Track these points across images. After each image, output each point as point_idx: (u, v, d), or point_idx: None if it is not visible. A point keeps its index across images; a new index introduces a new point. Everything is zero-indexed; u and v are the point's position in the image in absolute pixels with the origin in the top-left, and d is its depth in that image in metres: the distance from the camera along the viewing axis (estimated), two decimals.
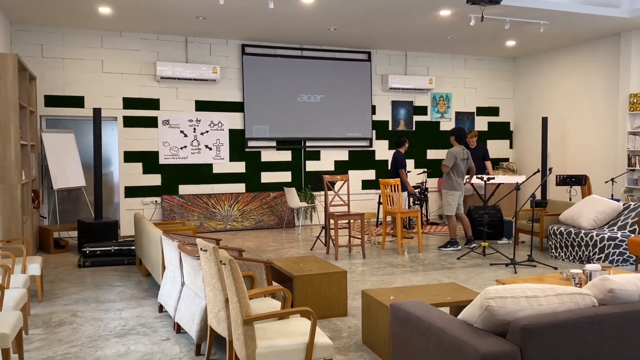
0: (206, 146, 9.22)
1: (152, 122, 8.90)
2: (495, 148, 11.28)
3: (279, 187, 9.67)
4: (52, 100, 8.37)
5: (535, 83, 10.76)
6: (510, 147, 11.50)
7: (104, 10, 7.30)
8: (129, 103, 8.76)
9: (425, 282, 5.62)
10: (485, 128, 11.21)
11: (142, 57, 8.79)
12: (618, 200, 7.99)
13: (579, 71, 9.73)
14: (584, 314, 2.27)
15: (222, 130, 9.31)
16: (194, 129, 9.14)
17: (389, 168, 9.54)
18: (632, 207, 6.58)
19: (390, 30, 8.63)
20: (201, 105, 9.17)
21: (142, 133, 8.85)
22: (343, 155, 10.16)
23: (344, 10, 7.37)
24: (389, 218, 8.91)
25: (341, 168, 10.14)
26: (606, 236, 6.22)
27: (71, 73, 8.44)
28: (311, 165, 9.93)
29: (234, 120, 9.37)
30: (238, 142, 9.41)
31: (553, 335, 2.19)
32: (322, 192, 9.93)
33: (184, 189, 9.13)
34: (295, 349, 2.80)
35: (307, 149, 9.88)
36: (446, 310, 4.18)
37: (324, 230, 7.95)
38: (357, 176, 10.26)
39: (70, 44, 8.40)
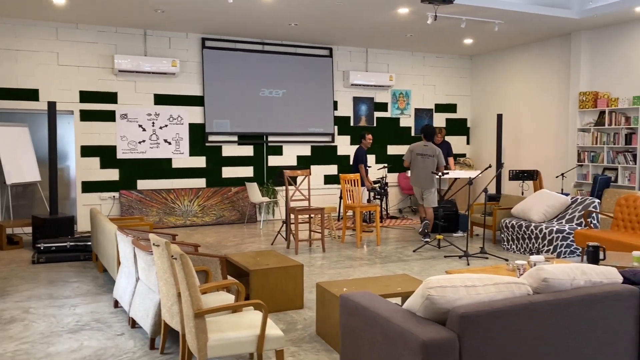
0: (165, 140, 9.13)
1: (109, 116, 8.75)
2: (453, 144, 11.52)
3: (240, 182, 9.67)
4: (5, 93, 8.14)
5: (492, 81, 11.05)
6: (468, 143, 11.79)
7: (59, 1, 7.13)
8: (85, 96, 8.59)
9: (381, 274, 5.75)
10: (443, 124, 11.45)
11: (100, 50, 8.63)
12: (567, 195, 8.32)
13: (533, 69, 10.05)
14: (519, 302, 2.39)
15: (182, 124, 9.24)
16: (153, 123, 9.03)
17: (351, 163, 9.67)
18: (579, 201, 6.87)
19: (351, 27, 8.72)
20: (160, 99, 9.07)
21: (99, 127, 8.70)
22: (305, 151, 10.22)
23: (304, 6, 7.41)
24: (350, 212, 9.03)
25: (303, 163, 10.20)
26: (554, 229, 6.48)
27: (25, 65, 8.22)
28: (273, 160, 9.95)
29: (194, 115, 9.31)
30: (198, 137, 9.35)
31: (489, 322, 2.31)
32: (284, 187, 9.97)
33: (143, 184, 9.02)
34: (247, 341, 2.86)
35: (269, 144, 9.89)
36: (399, 300, 4.30)
37: (285, 225, 8.01)
38: (319, 171, 10.35)
39: (23, 36, 8.17)
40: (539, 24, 8.46)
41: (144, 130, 8.98)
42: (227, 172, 9.61)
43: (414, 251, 6.95)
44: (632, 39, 8.28)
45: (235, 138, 9.61)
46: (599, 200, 6.83)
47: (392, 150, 10.97)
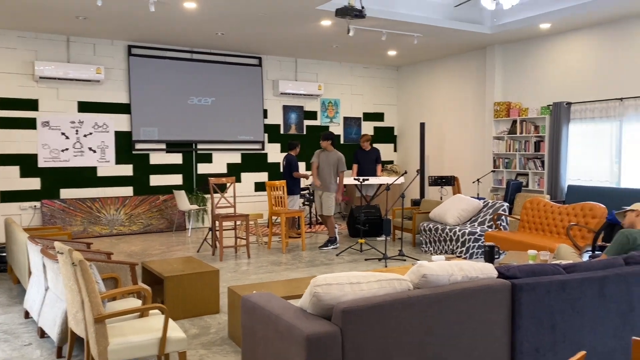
0: (90, 149, 8.95)
1: (30, 124, 8.50)
2: (381, 151, 11.91)
3: (169, 190, 9.60)
4: None
5: (416, 91, 11.53)
6: (395, 150, 12.21)
7: None
8: (4, 103, 8.31)
9: (302, 277, 5.90)
10: (371, 132, 11.82)
11: (19, 56, 8.38)
12: (483, 199, 8.81)
13: (453, 80, 10.58)
14: (398, 297, 2.61)
15: (108, 132, 9.09)
16: (77, 130, 8.84)
17: (282, 170, 9.81)
18: (490, 204, 7.32)
19: (279, 37, 8.90)
20: (84, 107, 8.90)
21: (18, 135, 8.43)
22: (235, 158, 10.28)
23: (227, 16, 7.52)
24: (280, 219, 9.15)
25: (234, 170, 10.26)
26: (467, 231, 6.88)
27: None
28: (203, 168, 9.95)
29: (120, 122, 9.18)
30: (125, 145, 9.23)
31: (370, 316, 2.51)
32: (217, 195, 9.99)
33: (66, 193, 8.80)
34: (149, 344, 2.93)
35: (199, 152, 9.89)
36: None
37: (210, 232, 8.04)
38: (249, 178, 10.43)
39: None
40: (455, 37, 8.94)
41: (67, 138, 8.77)
42: (155, 180, 9.52)
43: (337, 255, 7.17)
44: (539, 53, 8.91)
45: (163, 146, 9.55)
46: (508, 204, 7.30)
47: None
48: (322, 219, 7.81)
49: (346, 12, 5.42)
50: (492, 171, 9.55)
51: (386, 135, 12.05)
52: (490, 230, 7.02)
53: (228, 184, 7.35)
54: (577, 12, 7.42)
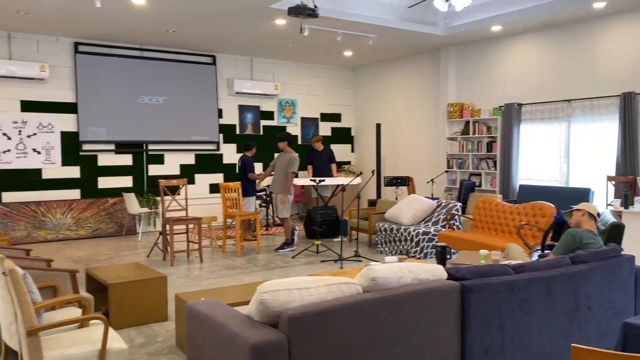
0: (34, 150, 8.56)
1: None
2: (339, 152, 11.91)
3: (118, 192, 9.29)
4: None
5: (373, 92, 11.57)
6: (352, 150, 12.23)
7: None
8: None
9: (256, 281, 5.79)
10: (329, 133, 11.79)
11: None
12: (437, 199, 8.90)
13: (408, 82, 10.66)
14: (347, 301, 2.55)
15: (53, 132, 8.71)
16: (20, 131, 8.44)
17: (237, 172, 9.64)
18: (443, 204, 7.38)
19: (233, 36, 8.74)
20: (28, 106, 8.50)
21: None
22: (189, 159, 10.05)
23: (178, 13, 7.32)
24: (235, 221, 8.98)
25: (187, 172, 10.02)
26: (421, 231, 6.91)
27: None
28: (154, 170, 9.68)
29: (66, 122, 8.82)
30: (72, 146, 8.87)
31: (318, 322, 2.44)
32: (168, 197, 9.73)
33: (9, 197, 8.38)
34: (87, 356, 2.77)
35: (150, 153, 9.61)
36: None
37: (161, 236, 7.80)
38: (204, 180, 10.21)
39: None
40: (410, 39, 9.00)
41: (9, 139, 8.36)
42: (104, 182, 9.19)
43: (292, 257, 7.08)
44: (491, 55, 9.07)
45: (112, 147, 9.23)
46: (461, 204, 7.39)
47: None
48: (279, 221, 7.71)
49: (299, 11, 5.35)
50: (445, 171, 9.68)
51: (343, 135, 12.05)
52: (443, 230, 7.08)
53: (180, 186, 7.14)
54: (527, 15, 7.58)
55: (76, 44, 8.82)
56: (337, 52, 10.18)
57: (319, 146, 9.53)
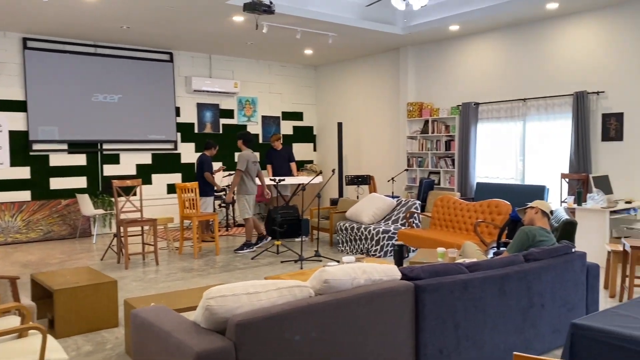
0: None
1: None
2: (301, 151, 11.84)
3: (71, 193, 8.96)
4: None
5: (334, 90, 11.53)
6: (314, 149, 12.17)
7: None
8: None
9: (213, 284, 5.66)
10: (290, 132, 11.70)
11: None
12: (398, 197, 8.93)
13: (370, 81, 10.67)
14: (297, 305, 2.47)
15: (1, 131, 8.34)
16: None
17: (195, 171, 9.44)
18: (403, 202, 7.40)
19: (191, 32, 8.54)
20: None
21: None
22: (146, 159, 9.79)
23: (132, 8, 7.09)
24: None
25: (143, 172, 9.76)
26: (380, 229, 6.90)
27: None
28: (109, 170, 9.38)
29: (15, 121, 8.45)
30: (21, 145, 8.51)
31: (267, 328, 2.36)
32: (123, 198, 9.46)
33: None
34: None
35: (104, 152, 9.31)
36: None
37: (115, 238, 7.57)
38: (161, 180, 9.97)
39: None
40: (369, 38, 8.99)
41: None
42: (56, 183, 8.86)
43: (252, 259, 6.97)
44: (449, 54, 9.16)
45: (64, 146, 8.90)
46: (420, 202, 7.41)
47: None
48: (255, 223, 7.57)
49: (254, 7, 5.24)
50: (405, 170, 9.72)
51: (305, 134, 11.97)
52: (403, 228, 7.10)
53: (135, 187, 6.92)
54: (483, 14, 7.67)
55: (25, 40, 8.46)
56: (298, 51, 10.10)
57: (278, 145, 9.43)
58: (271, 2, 5.44)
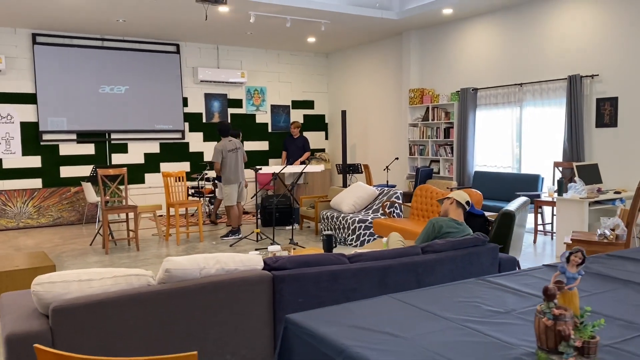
0: None
1: None
2: (312, 139, 11.85)
3: (80, 181, 9.42)
4: None
5: (345, 78, 11.43)
6: (326, 138, 12.14)
7: None
8: None
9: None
10: (301, 120, 11.71)
11: None
12: (394, 186, 8.80)
13: (377, 67, 10.50)
14: (126, 293, 2.53)
15: (12, 123, 8.86)
16: None
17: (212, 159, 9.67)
18: (385, 192, 7.29)
19: (194, 25, 8.69)
20: None
21: None
22: (154, 148, 10.12)
23: (135, 2, 7.29)
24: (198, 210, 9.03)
25: (152, 160, 10.10)
26: (357, 219, 6.84)
27: None
28: (118, 158, 9.77)
29: (26, 113, 8.95)
30: (32, 136, 9.01)
31: (88, 314, 2.43)
32: (136, 185, 9.84)
33: None
34: None
35: (113, 142, 9.71)
36: None
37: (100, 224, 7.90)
38: (169, 168, 10.27)
39: None
40: (367, 24, 8.83)
41: None
42: (66, 171, 9.33)
43: (230, 246, 7.09)
44: (450, 38, 8.85)
45: (73, 136, 9.34)
46: (401, 191, 7.28)
47: (249, 146, 11.09)
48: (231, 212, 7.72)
49: None
50: (396, 158, 9.54)
51: (317, 123, 11.96)
52: (382, 218, 7.00)
53: (120, 175, 7.18)
54: None
55: (34, 35, 8.91)
56: (300, 39, 10.07)
57: (296, 132, 9.70)
58: None
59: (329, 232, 4.37)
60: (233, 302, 2.77)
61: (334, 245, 4.38)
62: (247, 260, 2.92)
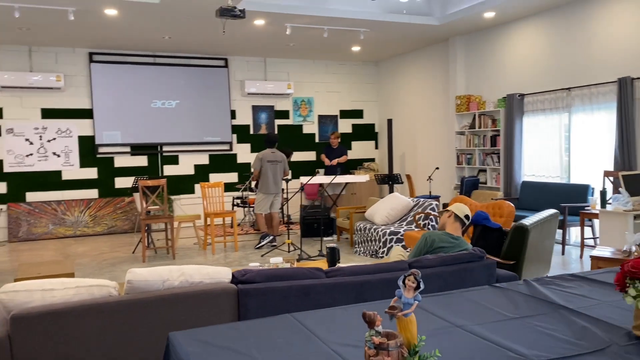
0: (54, 153, 9.34)
1: None
2: (361, 149, 11.75)
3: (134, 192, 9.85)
4: None
5: (394, 86, 11.25)
6: (376, 147, 11.98)
7: None
8: None
9: None
10: (349, 130, 11.65)
11: None
12: (437, 197, 8.51)
13: (423, 74, 10.24)
14: (86, 303, 2.58)
15: (71, 137, 9.45)
16: (40, 136, 9.25)
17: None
18: (420, 203, 7.05)
19: (239, 39, 8.90)
20: (47, 113, 9.29)
21: None
22: (203, 159, 10.42)
23: (174, 21, 7.59)
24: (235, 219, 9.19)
25: (202, 172, 10.40)
26: (388, 231, 6.66)
27: None
28: (169, 170, 10.15)
29: (83, 127, 9.52)
30: (88, 149, 9.56)
31: (46, 323, 2.50)
32: (186, 195, 10.18)
33: (32, 197, 9.23)
34: None
35: (164, 154, 10.10)
36: None
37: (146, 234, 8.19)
38: (218, 179, 10.54)
39: None
40: (408, 32, 8.64)
41: (31, 144, 9.19)
42: (121, 182, 9.81)
43: (262, 256, 7.13)
44: (494, 43, 8.47)
45: (127, 149, 9.81)
46: (437, 202, 7.01)
47: (296, 156, 11.16)
48: (262, 221, 7.82)
49: (224, 14, 5.37)
50: (436, 168, 9.20)
51: (366, 132, 11.85)
52: (415, 229, 6.77)
53: (160, 186, 7.44)
54: None
55: (90, 54, 9.48)
56: (344, 48, 10.03)
57: (335, 143, 9.79)
58: (235, 8, 5.49)
59: (333, 245, 4.27)
60: (195, 315, 2.76)
61: (337, 258, 4.27)
62: (215, 273, 2.90)
